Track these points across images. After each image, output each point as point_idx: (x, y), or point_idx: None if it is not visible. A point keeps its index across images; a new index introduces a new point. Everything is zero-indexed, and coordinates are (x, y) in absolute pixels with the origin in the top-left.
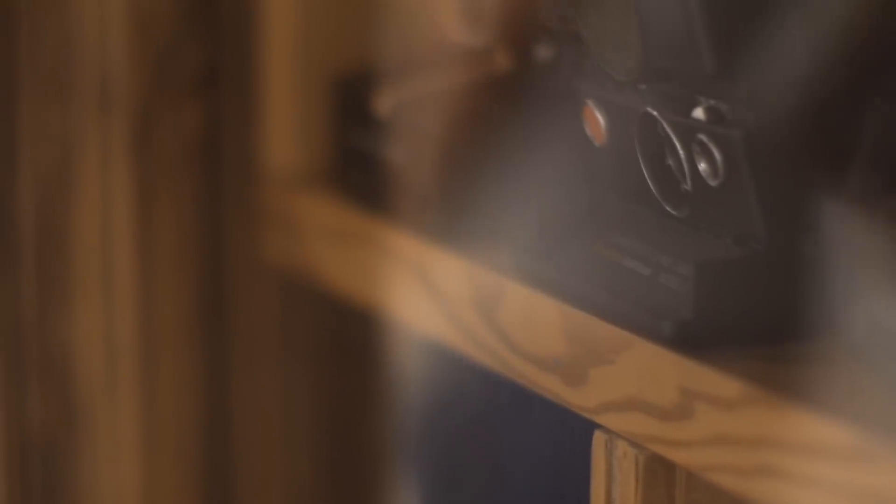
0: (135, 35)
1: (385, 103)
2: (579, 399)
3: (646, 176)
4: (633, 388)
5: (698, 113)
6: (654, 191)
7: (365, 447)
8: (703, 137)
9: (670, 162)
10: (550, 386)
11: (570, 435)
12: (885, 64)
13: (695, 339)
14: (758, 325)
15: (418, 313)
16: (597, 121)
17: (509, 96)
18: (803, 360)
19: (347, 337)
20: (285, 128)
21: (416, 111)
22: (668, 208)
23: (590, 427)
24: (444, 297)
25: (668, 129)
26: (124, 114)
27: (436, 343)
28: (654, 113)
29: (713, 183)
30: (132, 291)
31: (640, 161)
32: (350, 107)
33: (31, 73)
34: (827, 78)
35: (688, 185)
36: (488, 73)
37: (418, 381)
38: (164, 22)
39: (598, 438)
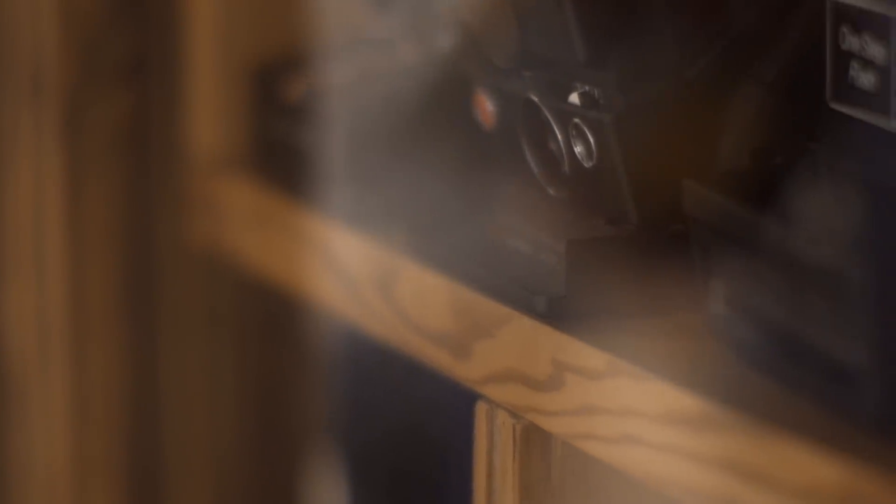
0: (65, 25)
1: (297, 91)
2: (464, 371)
3: (529, 159)
4: (512, 360)
5: (574, 98)
6: (536, 173)
7: (289, 423)
8: (578, 121)
9: (552, 146)
10: (440, 359)
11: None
12: (752, 49)
13: (567, 313)
14: (626, 300)
15: (326, 291)
16: (486, 107)
17: (412, 84)
18: (666, 334)
19: (271, 316)
20: (209, 115)
21: (326, 98)
22: (549, 190)
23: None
24: (349, 276)
25: (548, 114)
26: (55, 100)
27: (347, 320)
28: (535, 99)
29: (588, 165)
30: (63, 271)
31: (524, 145)
32: (269, 94)
33: None
34: (694, 63)
35: (566, 168)
36: (393, 61)
37: (338, 359)
38: (93, 13)
39: (481, 409)
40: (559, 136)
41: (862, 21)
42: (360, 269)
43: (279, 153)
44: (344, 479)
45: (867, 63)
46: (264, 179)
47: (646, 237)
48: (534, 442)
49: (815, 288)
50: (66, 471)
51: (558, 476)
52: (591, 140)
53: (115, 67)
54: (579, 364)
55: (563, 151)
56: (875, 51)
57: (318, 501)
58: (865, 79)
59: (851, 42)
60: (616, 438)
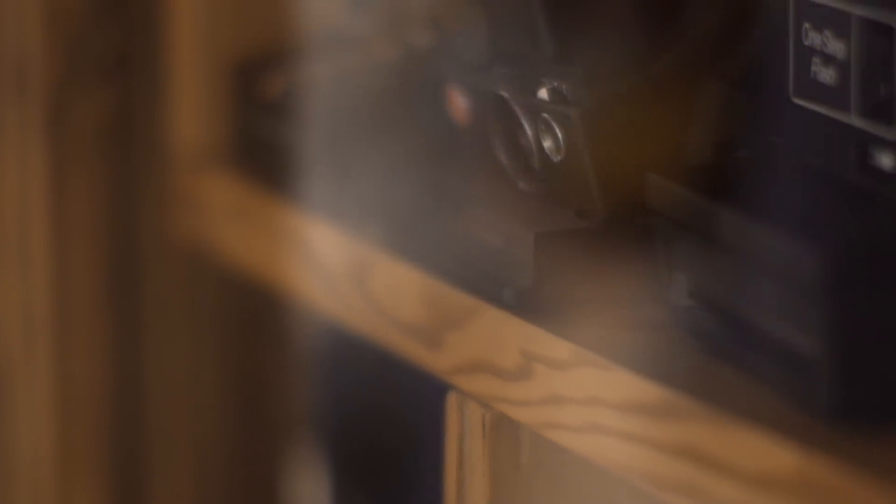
0: (49, 23)
1: (277, 88)
2: (436, 362)
3: (500, 154)
4: (481, 351)
5: (543, 94)
6: (507, 168)
7: (271, 415)
8: (546, 116)
9: (521, 141)
10: (412, 350)
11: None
12: (717, 45)
13: (534, 304)
14: (592, 292)
15: (305, 284)
16: (458, 103)
17: (387, 81)
18: (631, 325)
19: (252, 310)
20: (191, 111)
21: (304, 95)
22: (519, 184)
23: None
24: (326, 269)
25: (517, 110)
26: (40, 97)
27: (325, 313)
28: (505, 94)
29: (556, 159)
30: (47, 265)
31: (495, 140)
32: (249, 91)
33: None
34: (659, 59)
35: (536, 163)
36: (371, 58)
37: (319, 352)
38: (76, 11)
39: (452, 399)
40: (528, 132)
41: (823, 18)
42: (336, 263)
43: (259, 149)
44: (324, 470)
45: (828, 59)
46: (245, 175)
47: (612, 230)
48: (503, 431)
49: (772, 280)
50: (50, 464)
51: (527, 464)
52: (559, 135)
53: (98, 65)
54: (546, 354)
55: (533, 146)
56: (836, 47)
57: (300, 492)
58: (827, 74)
59: (813, 38)
60: (581, 427)
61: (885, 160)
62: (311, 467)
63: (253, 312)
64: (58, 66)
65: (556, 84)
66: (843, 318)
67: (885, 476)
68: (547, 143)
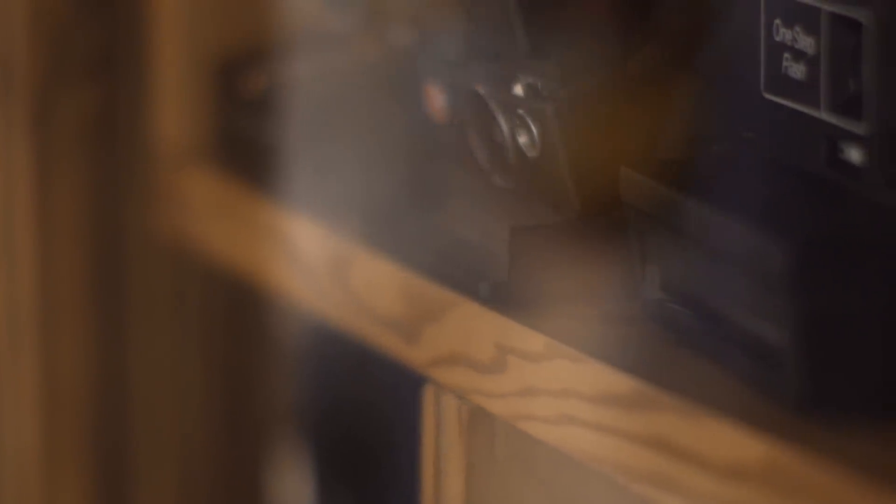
0: (34, 22)
1: (258, 86)
2: (413, 355)
3: (477, 150)
4: (458, 344)
5: (518, 90)
6: (483, 164)
7: (255, 409)
8: (521, 112)
9: (497, 137)
10: (391, 343)
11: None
12: (690, 41)
13: (509, 298)
14: (566, 286)
15: (287, 279)
16: (437, 100)
17: (366, 78)
18: (603, 318)
19: (236, 304)
20: (174, 109)
21: (285, 93)
22: (496, 180)
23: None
24: (308, 264)
25: (493, 106)
26: (25, 96)
27: (307, 307)
28: (481, 91)
29: (531, 155)
30: (32, 261)
31: (472, 136)
32: (232, 89)
33: None
34: (634, 55)
35: (511, 158)
36: (351, 57)
37: (304, 349)
38: (61, 10)
39: (429, 391)
40: (504, 128)
41: (793, 13)
42: (317, 258)
43: (242, 146)
44: (307, 464)
45: (799, 54)
46: (227, 172)
47: (587, 225)
48: (478, 423)
49: (742, 272)
50: (35, 460)
51: (502, 456)
52: (534, 130)
53: (82, 64)
54: (520, 347)
55: (508, 142)
56: (806, 42)
57: (283, 487)
58: (797, 70)
59: (784, 34)
60: (554, 419)
61: (853, 154)
62: (294, 461)
63: (237, 308)
64: (43, 65)
65: (531, 80)
66: (811, 310)
67: (852, 465)
68: (522, 139)
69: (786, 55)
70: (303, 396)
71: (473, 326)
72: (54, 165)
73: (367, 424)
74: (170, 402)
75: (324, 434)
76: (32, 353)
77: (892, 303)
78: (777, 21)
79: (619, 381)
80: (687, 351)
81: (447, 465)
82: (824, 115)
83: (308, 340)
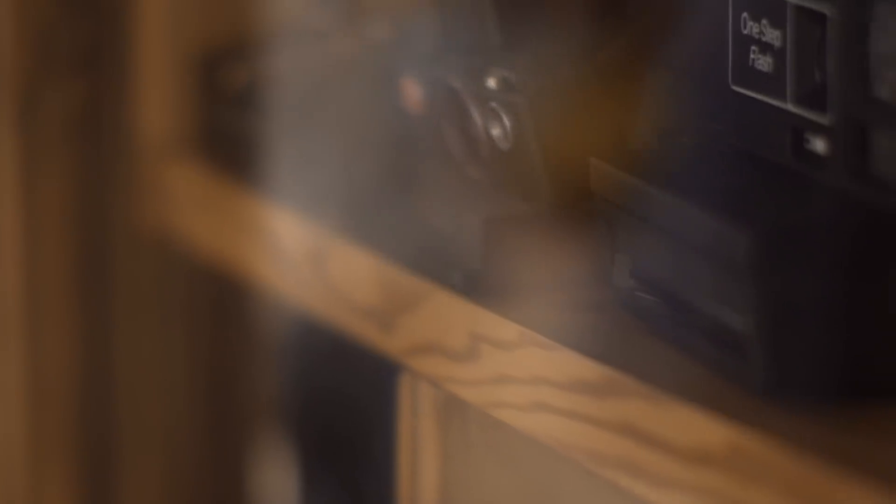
0: (20, 17)
1: (240, 80)
2: (390, 344)
3: (452, 143)
4: (432, 333)
5: (491, 83)
6: (458, 156)
7: (239, 401)
8: (494, 105)
9: (471, 129)
10: (368, 333)
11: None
12: (660, 34)
13: (482, 287)
14: (538, 275)
15: (268, 270)
16: (413, 93)
17: (345, 72)
18: (574, 306)
19: (220, 296)
20: (158, 103)
21: (266, 87)
22: (470, 172)
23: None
24: (288, 255)
25: (467, 99)
26: (10, 90)
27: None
28: (455, 84)
29: (505, 147)
30: (18, 254)
31: (446, 129)
32: (214, 83)
33: None
34: (605, 47)
35: (485, 151)
36: (330, 51)
37: (286, 341)
38: (46, 5)
39: (405, 380)
40: (477, 120)
41: (761, 7)
42: (297, 249)
43: (223, 139)
44: (290, 454)
45: (766, 47)
46: (209, 164)
47: (558, 215)
48: (453, 411)
49: (709, 261)
50: (21, 451)
51: (477, 442)
52: (507, 123)
53: (68, 58)
54: (493, 336)
55: (482, 134)
56: (772, 35)
57: (267, 476)
58: (764, 62)
59: (752, 27)
60: (527, 406)
61: (818, 145)
62: (277, 452)
63: (221, 300)
64: (28, 60)
65: (504, 73)
66: (773, 296)
67: (813, 449)
68: (495, 132)
69: (753, 48)
70: (285, 388)
71: (448, 315)
72: (40, 159)
73: (348, 414)
74: (154, 394)
75: (306, 424)
76: (18, 345)
77: (852, 289)
78: (745, 14)
79: (590, 369)
80: (655, 338)
81: (422, 452)
82: (790, 107)
83: (290, 332)
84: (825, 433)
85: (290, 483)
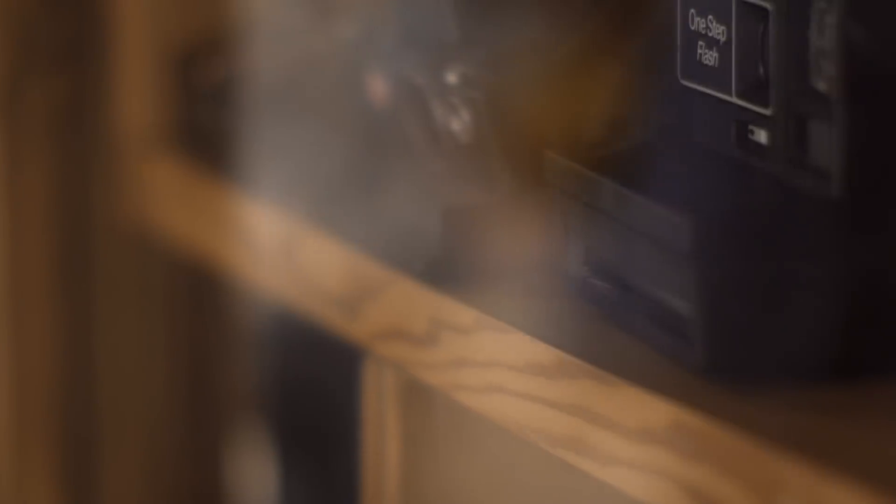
0: (1, 12)
1: (217, 76)
2: (355, 330)
3: (415, 136)
4: (395, 319)
5: (451, 78)
6: (420, 149)
7: (218, 391)
8: (454, 100)
9: (432, 123)
10: (335, 319)
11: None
12: (614, 30)
13: (442, 274)
14: (496, 263)
15: (244, 261)
16: (378, 89)
17: (317, 69)
18: (529, 292)
19: (199, 289)
20: (137, 98)
21: (242, 82)
22: (431, 164)
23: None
24: (262, 245)
25: (427, 94)
26: None
27: (265, 290)
28: (417, 80)
29: (464, 140)
30: (0, 247)
31: (408, 123)
32: (192, 79)
33: None
34: (561, 43)
35: (445, 144)
36: (302, 48)
37: (263, 332)
38: (27, 1)
39: (369, 364)
40: (439, 115)
41: (707, 3)
42: (272, 240)
43: (200, 134)
44: (267, 442)
45: (711, 42)
46: (187, 158)
47: (515, 205)
48: (416, 394)
49: (655, 248)
50: (3, 442)
51: (439, 426)
52: (466, 117)
53: (49, 54)
54: (452, 321)
55: (443, 128)
56: (718, 31)
57: (245, 465)
58: (710, 56)
59: (699, 23)
60: (483, 388)
61: (761, 136)
62: (255, 441)
63: (200, 292)
64: (10, 55)
65: (463, 69)
66: (714, 280)
67: (753, 428)
68: (455, 126)
69: (700, 43)
70: (261, 376)
71: (410, 301)
72: (22, 154)
73: (321, 401)
74: (134, 385)
75: (281, 412)
76: (0, 336)
77: (789, 274)
78: (692, 11)
79: (544, 352)
80: (606, 323)
81: (387, 435)
82: (735, 99)
83: (267, 323)
84: (763, 412)
85: (267, 469)
